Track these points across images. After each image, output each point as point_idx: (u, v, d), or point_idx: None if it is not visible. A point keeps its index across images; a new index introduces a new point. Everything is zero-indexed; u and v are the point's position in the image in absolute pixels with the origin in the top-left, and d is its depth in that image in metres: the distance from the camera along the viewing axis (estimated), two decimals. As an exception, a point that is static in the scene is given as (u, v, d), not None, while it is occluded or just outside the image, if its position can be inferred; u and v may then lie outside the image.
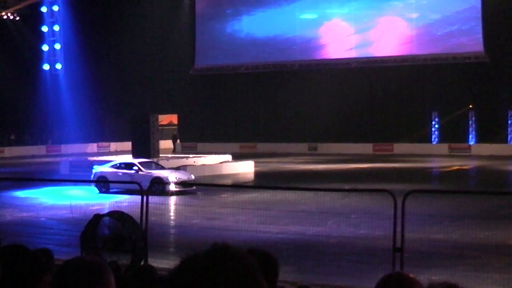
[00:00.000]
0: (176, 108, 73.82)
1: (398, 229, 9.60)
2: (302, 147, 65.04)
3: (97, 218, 12.16)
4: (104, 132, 72.39)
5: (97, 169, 34.40)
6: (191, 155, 48.56)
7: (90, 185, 33.26)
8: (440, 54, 61.89)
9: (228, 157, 47.80)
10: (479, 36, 60.91)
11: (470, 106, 61.22)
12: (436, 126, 63.89)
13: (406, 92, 61.95)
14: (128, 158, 38.13)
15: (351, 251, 17.33)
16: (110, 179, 31.90)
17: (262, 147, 66.20)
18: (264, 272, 1.97)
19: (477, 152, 58.63)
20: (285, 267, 13.94)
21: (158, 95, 70.45)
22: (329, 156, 57.74)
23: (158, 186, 29.92)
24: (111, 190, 31.71)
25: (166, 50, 71.08)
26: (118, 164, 34.61)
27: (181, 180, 32.25)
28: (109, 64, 70.75)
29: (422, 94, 61.56)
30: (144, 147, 40.78)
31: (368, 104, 63.40)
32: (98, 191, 32.20)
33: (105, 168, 34.16)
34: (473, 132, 62.37)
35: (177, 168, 36.77)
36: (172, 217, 25.13)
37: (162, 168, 34.68)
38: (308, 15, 68.20)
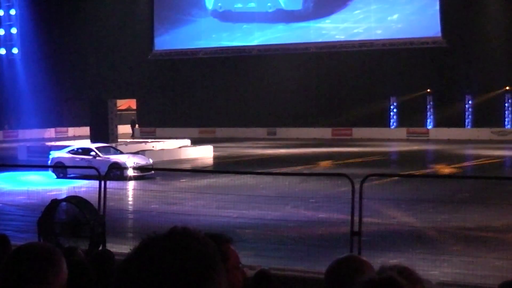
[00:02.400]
0: (135, 93, 73.41)
1: (356, 213, 9.65)
2: (261, 131, 65.11)
3: (55, 203, 12.06)
4: (62, 117, 71.76)
5: (54, 154, 34.15)
6: (149, 140, 48.34)
7: (48, 171, 32.99)
8: (398, 39, 62.23)
9: (187, 142, 47.68)
10: (437, 21, 61.33)
11: (428, 90, 61.71)
12: (395, 110, 64.36)
13: (364, 77, 62.24)
14: (86, 143, 37.82)
15: (310, 235, 17.41)
16: (67, 164, 31.70)
17: (221, 132, 66.17)
18: (220, 254, 1.97)
19: (435, 136, 59.24)
20: (244, 251, 13.96)
21: (117, 80, 69.92)
22: (288, 141, 57.92)
23: (116, 171, 29.79)
24: (68, 176, 31.46)
25: (125, 34, 70.50)
26: (75, 150, 34.35)
27: (139, 165, 32.16)
28: (66, 48, 69.96)
29: (380, 79, 61.87)
30: (103, 132, 40.51)
31: (327, 89, 63.59)
32: (55, 177, 31.94)
33: (62, 154, 33.92)
34: (431, 117, 62.94)
35: (136, 153, 36.60)
36: (130, 202, 25.05)
37: (120, 153, 34.52)
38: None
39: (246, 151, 47.86)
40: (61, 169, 31.59)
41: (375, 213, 18.23)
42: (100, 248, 11.20)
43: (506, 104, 60.33)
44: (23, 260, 2.85)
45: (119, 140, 42.74)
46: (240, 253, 3.99)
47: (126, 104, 76.19)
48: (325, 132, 63.10)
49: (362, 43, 63.60)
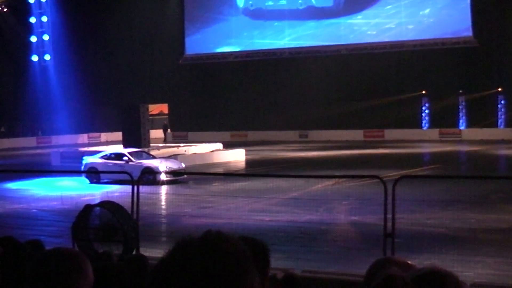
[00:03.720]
0: (167, 98, 73.70)
1: (389, 215, 9.62)
2: (293, 134, 65.06)
3: (88, 208, 12.15)
4: (95, 122, 72.21)
5: (87, 160, 34.38)
6: (181, 144, 48.50)
7: (81, 176, 33.22)
8: (429, 40, 61.94)
9: (219, 145, 47.77)
10: (468, 21, 60.96)
11: (460, 91, 61.30)
12: (427, 111, 63.98)
13: (396, 78, 61.99)
14: (119, 149, 38.05)
15: (343, 238, 17.37)
16: (100, 169, 31.90)
17: (253, 135, 66.20)
18: (255, 259, 2.00)
19: (468, 137, 58.80)
20: (277, 255, 13.98)
21: (148, 85, 70.30)
22: (320, 143, 57.81)
23: (149, 176, 29.93)
24: (102, 181, 31.66)
25: (156, 39, 70.91)
26: (108, 155, 34.58)
27: (172, 169, 32.27)
28: (98, 54, 70.48)
29: (412, 80, 61.55)
30: (135, 137, 40.72)
31: (358, 90, 63.34)
32: (89, 182, 32.15)
33: (95, 159, 34.14)
34: (463, 117, 62.51)
35: (168, 158, 36.73)
36: (163, 207, 25.15)
37: (153, 157, 34.67)
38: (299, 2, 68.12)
39: (278, 154, 47.84)
40: (94, 175, 31.79)
41: (408, 214, 18.15)
42: (134, 252, 11.27)
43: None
44: (49, 265, 2.88)
45: (151, 144, 42.93)
46: (273, 256, 4.01)
47: (158, 108, 76.53)
48: (357, 134, 62.91)
49: (393, 44, 63.35)
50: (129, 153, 34.07)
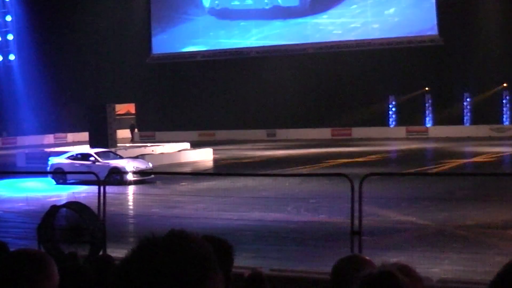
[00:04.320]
0: (134, 97, 73.45)
1: (356, 213, 9.65)
2: (261, 133, 65.14)
3: (54, 209, 12.04)
4: (61, 123, 71.60)
5: (53, 160, 34.12)
6: (149, 144, 48.33)
7: (47, 177, 32.96)
8: (396, 38, 62.32)
9: (187, 145, 47.65)
10: (433, 19, 61.43)
11: (426, 89, 61.75)
12: (393, 109, 64.39)
13: (363, 77, 62.25)
14: (86, 149, 37.81)
15: (310, 236, 17.40)
16: (66, 170, 31.69)
17: (220, 134, 66.18)
18: (218, 258, 2.00)
19: (434, 134, 59.30)
20: (244, 253, 13.96)
21: (115, 85, 69.87)
22: (288, 142, 57.93)
23: (116, 176, 29.77)
24: (68, 181, 31.43)
25: (122, 39, 70.52)
26: (74, 155, 34.35)
27: (139, 169, 32.16)
28: (64, 54, 69.87)
29: (379, 78, 61.87)
30: (101, 137, 40.47)
31: (326, 89, 63.56)
32: (55, 183, 31.91)
33: (62, 160, 33.91)
34: (430, 115, 62.99)
35: (135, 158, 36.56)
36: (130, 207, 25.06)
37: (120, 157, 34.48)
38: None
39: (246, 153, 47.84)
40: (60, 175, 31.57)
41: (375, 212, 18.23)
42: (101, 253, 11.19)
43: (504, 101, 60.38)
44: (13, 266, 2.85)
45: (118, 144, 42.71)
46: (241, 255, 4.00)
47: (125, 108, 76.12)
48: (325, 133, 63.14)
49: (360, 43, 63.64)
50: (96, 153, 33.85)
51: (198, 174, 33.42)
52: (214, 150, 45.93)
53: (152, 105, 71.52)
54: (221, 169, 37.87)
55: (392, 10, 63.71)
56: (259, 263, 12.66)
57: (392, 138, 58.62)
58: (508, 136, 54.83)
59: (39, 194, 26.79)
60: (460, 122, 61.36)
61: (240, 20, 69.38)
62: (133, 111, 77.02)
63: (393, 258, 12.92)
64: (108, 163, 32.20)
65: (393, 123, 64.60)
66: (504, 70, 57.35)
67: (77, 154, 34.50)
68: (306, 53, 65.22)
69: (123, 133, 64.41)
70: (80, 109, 59.05)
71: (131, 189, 29.22)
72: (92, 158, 32.96)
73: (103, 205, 12.31)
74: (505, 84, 59.28)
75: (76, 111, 65.34)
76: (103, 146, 38.12)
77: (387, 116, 64.50)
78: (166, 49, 71.81)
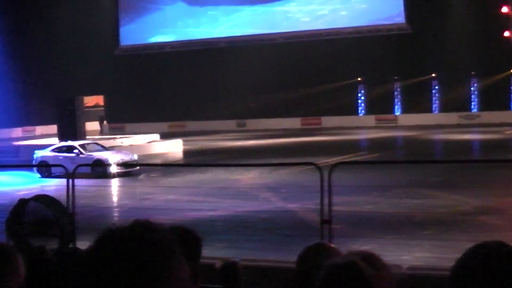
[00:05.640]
0: (102, 89, 72.95)
1: (326, 201, 9.65)
2: (231, 124, 65.10)
3: (22, 203, 11.93)
4: (29, 116, 70.92)
5: (38, 153, 33.66)
6: (118, 136, 48.04)
7: (32, 170, 32.46)
8: (364, 27, 62.47)
9: (156, 136, 47.46)
10: (401, 7, 61.66)
11: (395, 77, 62.02)
12: (363, 98, 64.63)
13: (332, 66, 62.29)
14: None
15: (282, 225, 17.41)
16: (51, 163, 31.26)
17: (190, 125, 66.02)
18: (185, 249, 1.99)
19: (403, 122, 59.62)
20: (216, 244, 13.95)
21: (83, 77, 69.24)
22: (258, 132, 57.93)
23: (100, 169, 29.49)
24: (53, 174, 30.89)
25: (90, 30, 69.92)
26: (59, 147, 33.91)
27: (123, 161, 31.72)
28: (30, 46, 69.22)
29: (347, 67, 62.00)
30: (70, 130, 40.21)
31: (295, 79, 63.54)
32: (40, 176, 31.45)
33: (46, 152, 33.38)
34: (399, 103, 63.31)
35: (121, 149, 36.21)
36: (102, 199, 24.88)
37: (106, 149, 34.05)
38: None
39: (216, 144, 47.78)
40: (45, 168, 31.16)
41: (346, 200, 18.28)
42: (70, 246, 11.11)
43: (472, 88, 60.81)
44: None
45: (87, 137, 42.41)
46: (212, 246, 3.97)
47: (94, 100, 75.60)
48: (295, 122, 63.26)
49: (329, 32, 63.72)
50: (80, 145, 33.42)
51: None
52: (184, 141, 45.78)
53: (121, 97, 71.11)
54: (191, 160, 37.80)
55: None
56: (231, 253, 12.66)
57: (361, 126, 58.83)
58: (477, 123, 55.28)
59: (9, 188, 26.54)
60: (429, 110, 61.74)
61: (209, 5, 69.14)
62: (102, 103, 76.57)
63: (364, 246, 12.95)
64: (91, 155, 31.97)
65: (362, 111, 64.85)
66: (472, 57, 57.67)
67: (62, 146, 34.03)
68: (275, 43, 65.21)
69: (92, 126, 64.04)
70: (48, 102, 58.58)
71: (114, 181, 28.97)
72: (76, 151, 32.56)
73: (72, 198, 12.23)
74: (473, 72, 59.65)
75: (44, 104, 64.77)
76: (72, 138, 37.79)
77: (356, 105, 64.75)
78: (134, 40, 71.49)
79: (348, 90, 63.08)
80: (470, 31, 57.76)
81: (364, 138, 49.31)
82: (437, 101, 61.89)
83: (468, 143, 42.09)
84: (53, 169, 30.94)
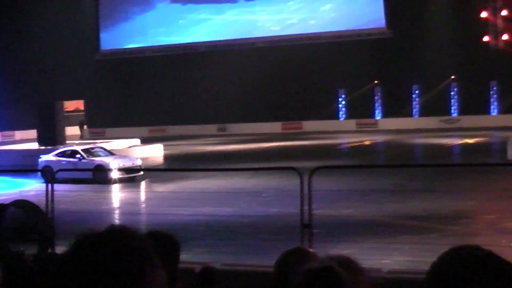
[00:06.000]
0: (83, 94, 72.63)
1: (306, 205, 9.66)
2: (212, 128, 65.02)
3: (1, 208, 11.86)
4: (9, 120, 70.53)
5: (42, 158, 33.23)
6: (98, 141, 47.84)
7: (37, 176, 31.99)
8: (345, 31, 62.59)
9: (137, 141, 47.33)
10: (381, 11, 61.87)
11: (376, 81, 62.19)
12: (343, 102, 64.75)
13: (313, 70, 62.34)
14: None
15: (262, 230, 17.41)
16: (54, 167, 30.84)
17: (171, 130, 65.86)
18: (163, 254, 2.00)
19: (384, 126, 59.75)
20: (196, 249, 13.93)
21: (64, 81, 68.96)
22: (239, 137, 57.88)
23: (101, 174, 29.11)
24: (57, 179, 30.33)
25: (70, 35, 69.64)
26: (62, 152, 33.45)
27: (125, 166, 30.94)
28: (10, 50, 68.87)
29: (328, 71, 62.05)
30: (50, 135, 40.06)
31: (276, 83, 63.56)
32: (43, 181, 30.78)
33: (50, 157, 32.85)
34: (380, 107, 63.48)
35: (125, 154, 35.75)
36: (83, 204, 24.76)
37: (110, 154, 33.50)
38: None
39: (197, 148, 47.70)
40: (49, 173, 30.52)
41: (327, 205, 18.29)
42: (49, 251, 11.06)
43: (452, 93, 61.07)
44: None
45: (67, 142, 42.24)
46: (193, 250, 3.96)
47: (74, 105, 75.34)
48: (276, 127, 63.28)
49: (310, 36, 63.83)
50: (84, 150, 32.93)
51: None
52: (164, 145, 45.69)
53: (102, 101, 70.87)
54: (172, 165, 37.72)
55: (341, 1, 64.00)
56: (211, 258, 12.65)
57: (342, 131, 58.90)
58: (457, 128, 55.53)
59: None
60: (410, 114, 61.95)
61: (189, 10, 69.22)
62: (82, 108, 76.28)
63: (344, 250, 12.97)
64: (93, 160, 31.49)
65: (343, 116, 64.99)
66: (452, 62, 57.95)
67: (66, 151, 33.58)
68: (256, 47, 65.21)
69: (72, 130, 63.78)
70: (28, 106, 58.29)
71: (105, 187, 28.50)
72: (78, 155, 32.08)
73: (51, 203, 12.17)
74: (453, 76, 59.93)
75: (24, 109, 64.44)
76: (51, 144, 37.58)
77: (337, 110, 64.87)
78: (114, 45, 71.28)
79: (329, 95, 63.17)
80: (450, 35, 58.03)
81: (345, 142, 49.38)
82: (417, 105, 62.11)
83: (448, 147, 42.25)
84: (57, 174, 30.37)
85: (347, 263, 2.65)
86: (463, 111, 60.15)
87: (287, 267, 3.56)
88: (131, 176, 30.35)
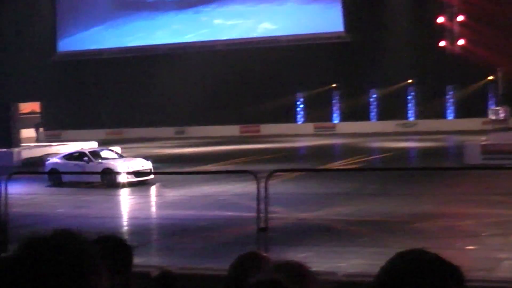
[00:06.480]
0: (39, 96, 71.86)
1: (263, 209, 9.63)
2: (170, 131, 64.78)
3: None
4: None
5: (50, 160, 32.28)
6: (54, 143, 47.32)
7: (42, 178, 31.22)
8: (304, 35, 62.76)
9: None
10: (340, 16, 62.18)
11: (334, 85, 62.46)
12: (301, 106, 64.94)
13: (270, 74, 62.43)
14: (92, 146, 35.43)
15: (219, 233, 17.34)
16: (61, 170, 30.09)
17: (129, 132, 65.47)
18: (115, 258, 1.97)
19: (342, 130, 60.07)
20: (152, 252, 13.84)
21: (19, 83, 68.23)
22: (197, 140, 57.71)
23: (110, 177, 28.29)
24: (64, 182, 29.59)
25: (26, 36, 69.00)
26: (70, 154, 32.44)
27: (133, 170, 29.60)
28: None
29: (287, 75, 62.20)
30: (5, 137, 39.57)
31: (234, 86, 63.56)
32: (50, 184, 29.92)
33: (57, 160, 31.98)
34: (337, 111, 63.77)
35: (135, 157, 34.38)
36: (38, 208, 24.46)
37: (121, 157, 32.58)
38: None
39: (154, 151, 47.43)
40: (56, 176, 29.75)
41: (284, 208, 18.30)
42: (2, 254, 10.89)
43: (409, 97, 61.58)
44: None
45: (22, 144, 41.78)
46: (148, 254, 3.90)
47: (30, 107, 74.52)
48: (234, 130, 63.27)
49: (268, 40, 63.92)
50: (91, 152, 31.94)
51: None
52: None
53: (58, 103, 70.16)
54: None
55: (299, 5, 64.17)
56: (167, 262, 12.55)
57: (300, 134, 59.10)
58: (414, 131, 55.96)
59: None
60: (367, 118, 62.34)
61: (145, 12, 69.02)
62: (38, 110, 75.47)
63: (300, 254, 12.98)
64: (101, 162, 30.54)
65: (301, 119, 65.18)
66: (409, 66, 58.42)
67: (73, 153, 32.63)
68: (214, 50, 65.13)
69: (28, 133, 63.08)
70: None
71: (111, 191, 27.62)
72: (86, 158, 30.97)
73: (5, 207, 11.99)
74: (410, 80, 60.44)
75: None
76: (6, 146, 37.04)
77: (295, 113, 65.03)
78: (72, 47, 70.78)
79: (286, 98, 63.28)
80: (407, 40, 58.49)
81: (303, 146, 49.50)
82: (374, 109, 62.53)
83: (404, 151, 42.54)
84: (64, 177, 29.70)
85: (298, 270, 2.66)
86: (420, 115, 60.71)
87: (240, 271, 3.60)
88: (141, 180, 28.88)
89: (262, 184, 9.60)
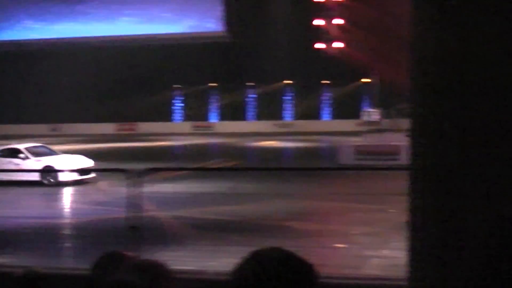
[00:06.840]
0: None
1: (134, 207, 9.50)
2: (43, 128, 63.25)
3: None
4: None
5: None
6: None
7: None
8: (183, 34, 62.58)
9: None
10: (221, 16, 62.35)
11: (213, 84, 62.65)
12: (179, 105, 64.81)
13: (149, 72, 62.01)
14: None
15: (88, 232, 17.06)
16: None
17: None
18: None
19: (220, 129, 60.26)
20: (18, 252, 13.45)
21: None
22: (72, 137, 56.73)
23: (50, 176, 26.65)
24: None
25: None
26: (2, 151, 30.00)
27: (77, 167, 27.74)
28: None
29: (165, 73, 61.96)
30: None
31: (111, 83, 62.75)
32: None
33: None
34: (216, 110, 63.98)
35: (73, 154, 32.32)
36: None
37: (55, 153, 30.78)
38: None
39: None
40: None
41: (158, 207, 18.16)
42: None
43: (286, 97, 62.38)
44: None
45: None
46: (13, 254, 3.77)
47: None
48: (110, 128, 62.53)
49: (147, 38, 63.40)
50: (27, 148, 29.85)
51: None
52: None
53: None
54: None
55: (179, 4, 63.99)
56: (35, 262, 12.23)
57: (177, 133, 58.92)
58: (290, 132, 56.69)
59: None
60: (245, 117, 62.79)
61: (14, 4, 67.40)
62: None
63: (172, 252, 12.92)
64: (40, 160, 28.70)
65: (179, 118, 65.06)
66: (287, 66, 59.14)
67: (3, 149, 30.05)
68: (90, 47, 64.07)
69: None
70: None
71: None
72: (22, 155, 29.07)
73: None
74: (287, 81, 61.21)
75: None
76: None
77: (172, 112, 64.87)
78: None
79: (165, 97, 63.09)
80: (286, 41, 59.19)
81: (180, 145, 49.40)
82: (252, 109, 63.04)
83: (280, 151, 43.04)
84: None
85: (154, 269, 2.64)
86: (296, 115, 61.60)
87: (100, 271, 3.59)
88: (81, 179, 27.25)
89: (133, 182, 9.48)
